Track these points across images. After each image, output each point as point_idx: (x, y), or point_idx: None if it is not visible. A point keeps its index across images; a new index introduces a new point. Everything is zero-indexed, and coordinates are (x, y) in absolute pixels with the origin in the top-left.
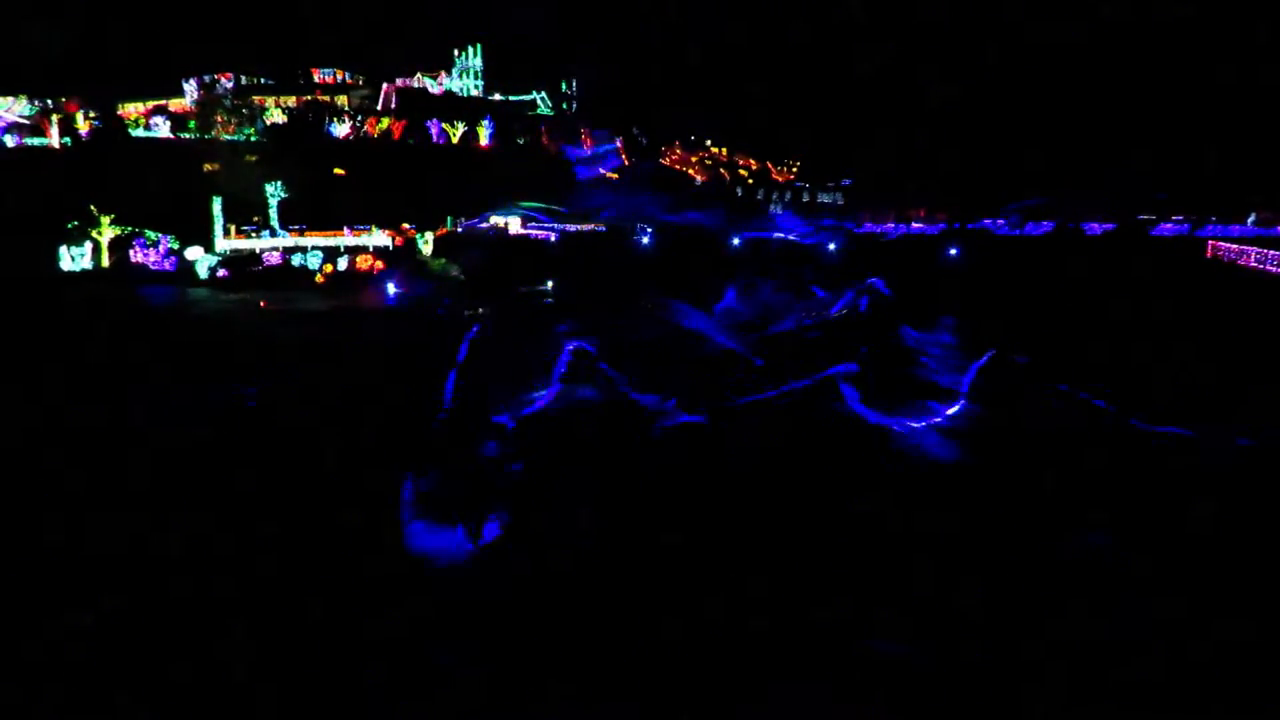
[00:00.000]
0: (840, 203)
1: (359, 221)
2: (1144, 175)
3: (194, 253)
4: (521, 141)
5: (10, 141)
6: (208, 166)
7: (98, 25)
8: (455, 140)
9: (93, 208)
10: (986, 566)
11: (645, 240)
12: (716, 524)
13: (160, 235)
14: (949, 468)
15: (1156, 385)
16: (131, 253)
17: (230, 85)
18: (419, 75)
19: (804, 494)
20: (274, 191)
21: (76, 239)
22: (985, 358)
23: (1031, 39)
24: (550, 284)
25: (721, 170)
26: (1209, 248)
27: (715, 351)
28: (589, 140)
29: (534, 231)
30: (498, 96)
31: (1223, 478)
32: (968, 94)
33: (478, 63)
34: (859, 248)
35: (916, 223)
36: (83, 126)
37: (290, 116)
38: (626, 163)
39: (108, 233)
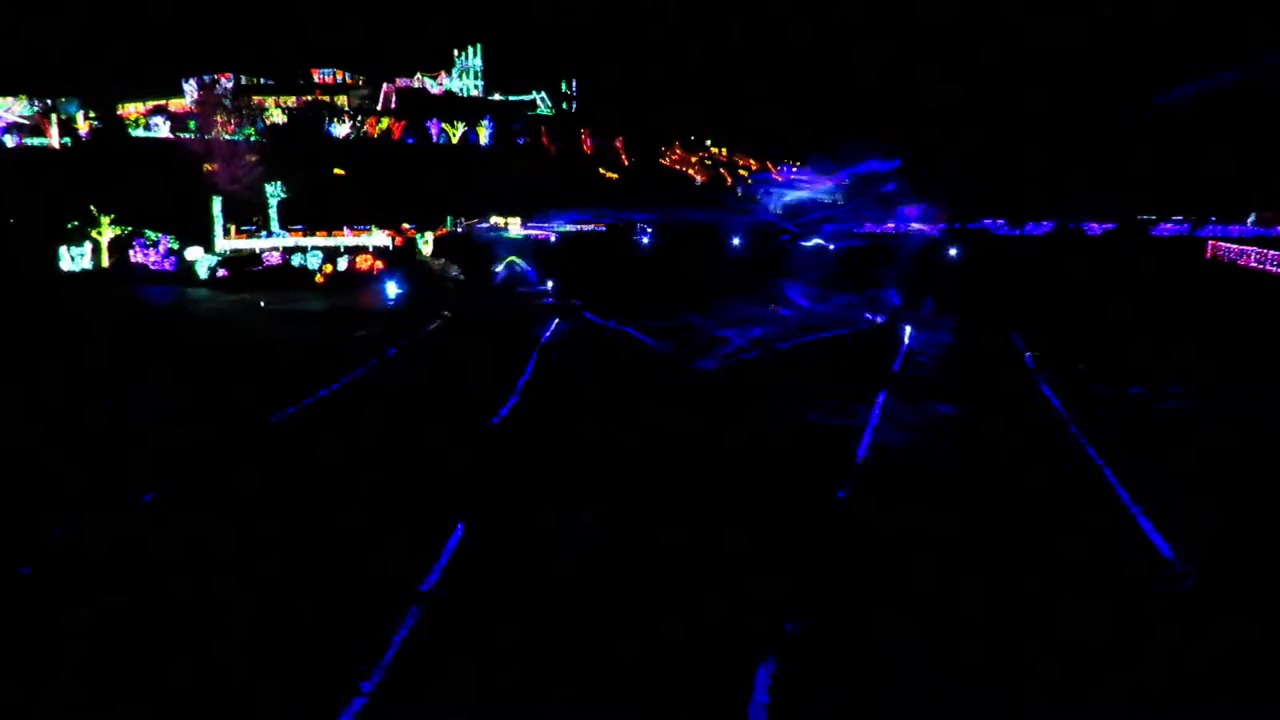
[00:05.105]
0: (841, 202)
1: (359, 221)
2: (1144, 175)
3: (194, 253)
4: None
5: (10, 141)
6: (208, 166)
7: (98, 25)
8: (455, 140)
9: (93, 208)
10: (987, 564)
11: (645, 240)
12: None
13: (160, 235)
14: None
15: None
16: (131, 253)
17: (230, 85)
18: (419, 75)
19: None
20: (274, 191)
21: (76, 239)
22: None
23: (1031, 39)
24: (550, 284)
25: (721, 170)
26: (1209, 248)
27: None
28: (589, 141)
29: (534, 231)
30: (498, 96)
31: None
32: (968, 94)
33: (478, 63)
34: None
35: (916, 223)
36: (83, 126)
37: (290, 116)
38: (626, 162)
39: (108, 233)
